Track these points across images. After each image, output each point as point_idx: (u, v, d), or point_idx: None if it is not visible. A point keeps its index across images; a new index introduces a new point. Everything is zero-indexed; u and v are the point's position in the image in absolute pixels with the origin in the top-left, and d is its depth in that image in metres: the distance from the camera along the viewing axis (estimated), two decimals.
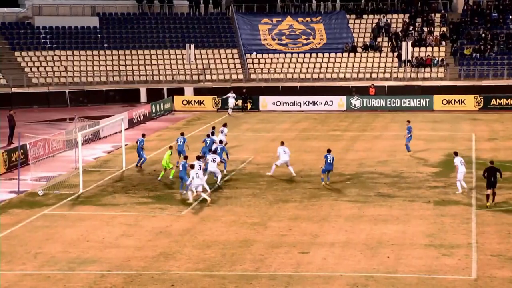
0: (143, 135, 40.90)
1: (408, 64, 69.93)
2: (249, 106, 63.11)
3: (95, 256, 25.56)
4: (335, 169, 37.62)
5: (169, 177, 36.51)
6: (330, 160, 35.32)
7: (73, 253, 25.90)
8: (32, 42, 72.02)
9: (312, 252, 25.76)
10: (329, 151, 35.77)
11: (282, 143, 37.73)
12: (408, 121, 43.71)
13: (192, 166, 32.22)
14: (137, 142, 40.18)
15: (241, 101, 62.97)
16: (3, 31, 72.71)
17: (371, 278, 23.07)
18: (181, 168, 33.77)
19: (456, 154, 34.45)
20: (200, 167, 32.77)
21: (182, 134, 41.01)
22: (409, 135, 42.65)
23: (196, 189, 32.27)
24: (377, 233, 27.76)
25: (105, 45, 73.31)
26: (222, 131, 42.67)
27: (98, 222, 29.88)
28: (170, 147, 37.74)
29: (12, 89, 65.68)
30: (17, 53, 70.45)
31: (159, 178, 36.69)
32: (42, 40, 72.64)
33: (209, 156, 35.70)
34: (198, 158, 33.69)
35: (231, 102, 61.22)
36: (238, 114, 60.48)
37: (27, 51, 70.84)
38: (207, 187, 33.36)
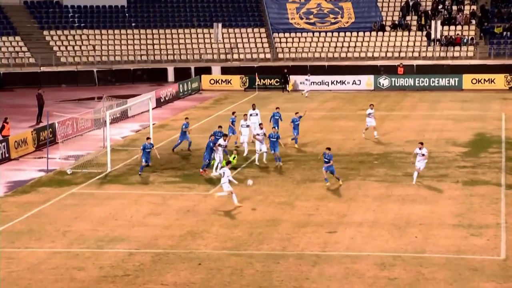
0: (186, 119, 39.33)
1: (437, 43, 69.31)
2: (291, 87, 61.94)
3: (123, 234, 25.69)
4: (362, 149, 37.60)
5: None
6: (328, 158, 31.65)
7: (101, 231, 26.06)
8: (61, 21, 72.27)
9: (340, 231, 25.69)
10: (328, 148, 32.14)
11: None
12: None
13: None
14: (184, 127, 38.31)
15: (282, 80, 61.99)
16: (32, 10, 73.02)
17: (398, 258, 22.98)
18: (141, 151, 34.20)
19: (422, 144, 32.29)
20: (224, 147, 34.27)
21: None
22: None
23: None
24: (405, 213, 27.62)
25: (133, 24, 73.40)
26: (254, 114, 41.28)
27: (126, 200, 30.02)
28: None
29: (41, 68, 66.04)
30: (45, 32, 70.79)
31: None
32: (71, 19, 72.88)
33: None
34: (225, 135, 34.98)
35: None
36: (274, 94, 60.21)
37: (56, 30, 71.12)
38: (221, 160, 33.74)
